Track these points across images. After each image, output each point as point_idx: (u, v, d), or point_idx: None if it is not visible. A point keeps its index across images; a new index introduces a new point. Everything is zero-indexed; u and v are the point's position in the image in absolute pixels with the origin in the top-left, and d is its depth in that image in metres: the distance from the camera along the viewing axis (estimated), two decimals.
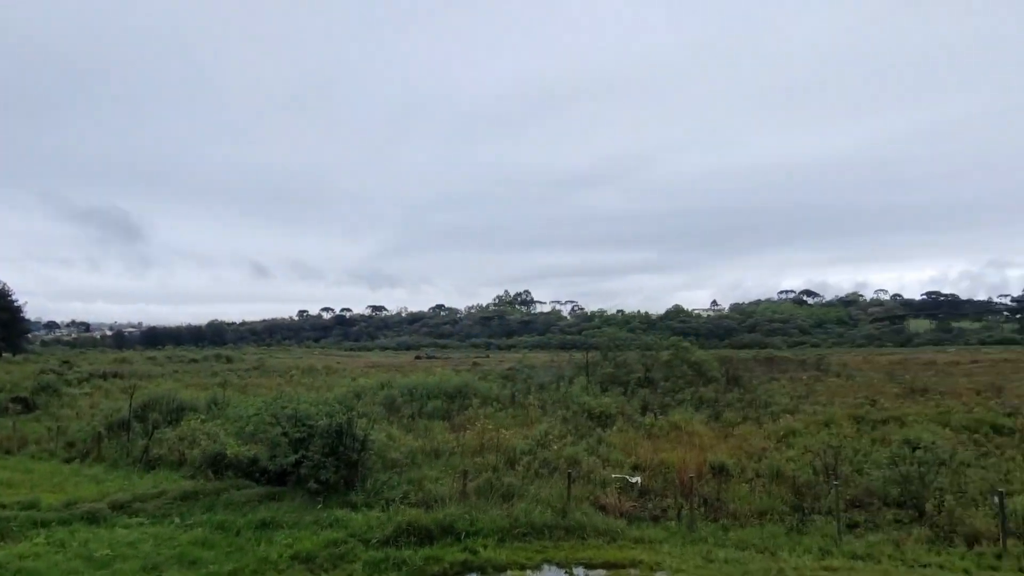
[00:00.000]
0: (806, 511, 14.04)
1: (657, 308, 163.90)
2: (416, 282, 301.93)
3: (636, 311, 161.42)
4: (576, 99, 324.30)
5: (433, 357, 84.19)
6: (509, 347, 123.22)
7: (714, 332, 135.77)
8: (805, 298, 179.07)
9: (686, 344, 44.48)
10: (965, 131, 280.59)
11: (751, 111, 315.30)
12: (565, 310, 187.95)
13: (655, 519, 14.04)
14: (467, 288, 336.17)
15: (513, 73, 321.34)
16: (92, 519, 13.58)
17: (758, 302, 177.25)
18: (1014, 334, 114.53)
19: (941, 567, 10.98)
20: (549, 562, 11.54)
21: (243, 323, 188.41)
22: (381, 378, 36.31)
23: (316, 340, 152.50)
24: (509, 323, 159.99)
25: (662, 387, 33.19)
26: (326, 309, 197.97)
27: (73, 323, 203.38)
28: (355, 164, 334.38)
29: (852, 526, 13.27)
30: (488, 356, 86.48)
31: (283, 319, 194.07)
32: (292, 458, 15.61)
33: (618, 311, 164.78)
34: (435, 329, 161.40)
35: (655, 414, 25.63)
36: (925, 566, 11.03)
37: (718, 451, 18.96)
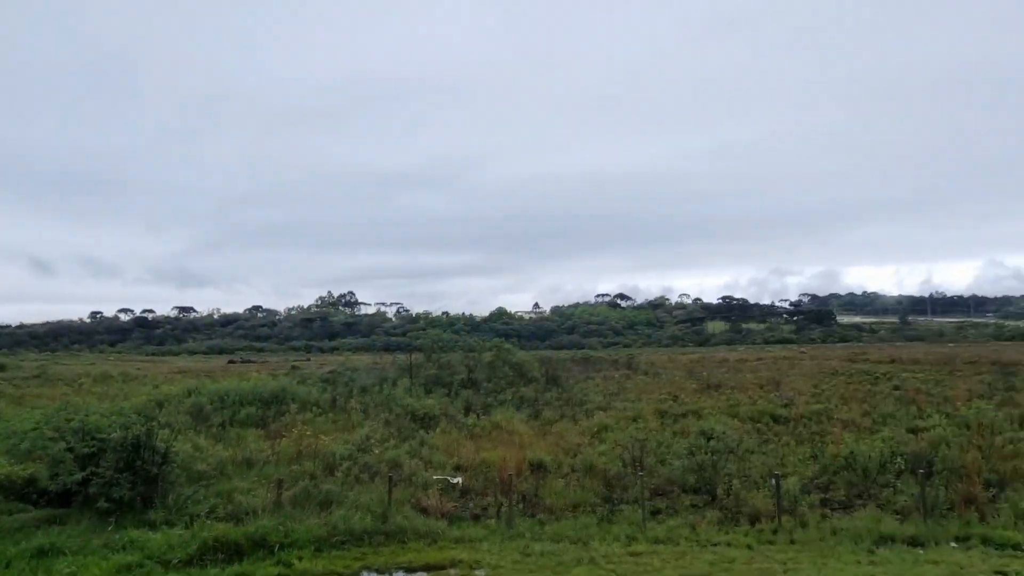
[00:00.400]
0: (615, 501, 14.95)
1: (482, 310, 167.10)
2: (230, 281, 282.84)
3: (461, 313, 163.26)
4: (404, 98, 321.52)
5: (249, 361, 79.46)
6: (332, 349, 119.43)
7: (536, 334, 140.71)
8: (619, 301, 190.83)
9: (508, 346, 45.74)
10: (755, 152, 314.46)
11: (574, 120, 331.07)
12: (390, 312, 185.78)
13: (476, 518, 14.25)
14: (287, 289, 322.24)
15: (339, 66, 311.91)
16: None
17: (576, 305, 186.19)
18: (791, 334, 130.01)
19: (729, 544, 12.14)
20: (368, 568, 11.30)
21: (21, 326, 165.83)
22: (188, 385, 33.61)
23: (112, 344, 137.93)
24: (332, 325, 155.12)
25: (485, 388, 33.82)
26: (124, 310, 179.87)
27: None
28: (160, 152, 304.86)
29: (655, 513, 14.31)
30: (309, 359, 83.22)
31: (71, 321, 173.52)
32: (78, 476, 13.98)
33: (443, 313, 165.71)
34: (251, 332, 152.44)
35: (478, 414, 26.05)
36: (716, 544, 12.14)
37: (537, 448, 19.65)
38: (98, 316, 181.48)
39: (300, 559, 11.52)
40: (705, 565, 10.83)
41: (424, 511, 14.16)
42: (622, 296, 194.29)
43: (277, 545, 11.93)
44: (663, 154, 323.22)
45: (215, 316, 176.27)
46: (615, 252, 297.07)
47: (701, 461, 16.25)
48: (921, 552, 11.50)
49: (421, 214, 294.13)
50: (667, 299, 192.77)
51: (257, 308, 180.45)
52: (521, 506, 14.70)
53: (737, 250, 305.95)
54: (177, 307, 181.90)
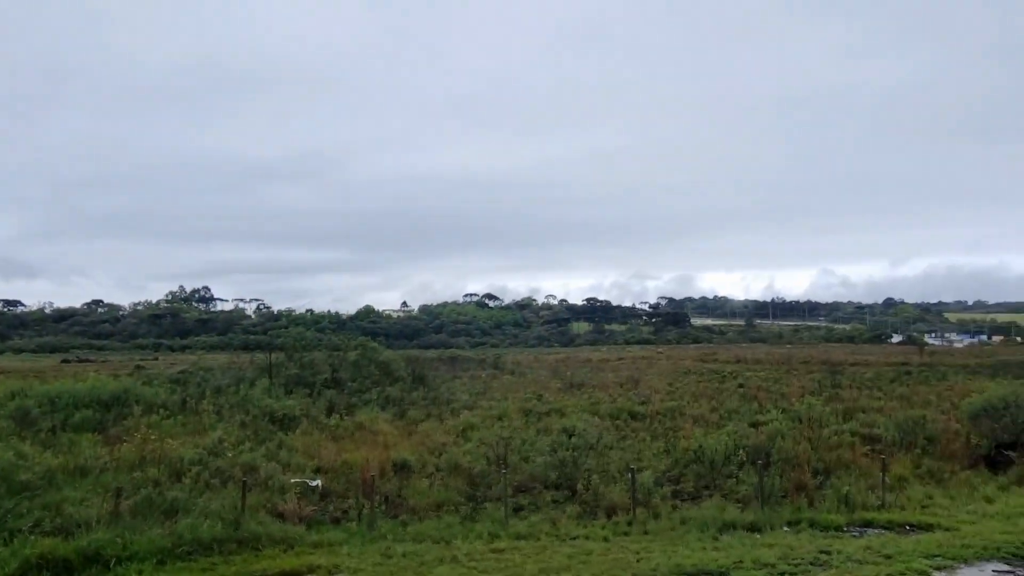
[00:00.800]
0: (479, 500, 15.03)
1: (348, 308, 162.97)
2: (66, 273, 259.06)
3: (326, 311, 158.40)
4: (268, 86, 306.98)
5: (87, 360, 72.89)
6: (184, 348, 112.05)
7: (404, 332, 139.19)
8: (487, 301, 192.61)
9: (374, 344, 44.88)
10: (621, 160, 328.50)
11: (445, 120, 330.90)
12: (250, 308, 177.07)
13: (336, 521, 13.84)
14: (133, 282, 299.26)
15: (197, 47, 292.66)
16: None
17: (445, 304, 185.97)
18: (650, 335, 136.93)
19: (587, 538, 12.53)
20: None
21: None
22: (12, 386, 30.29)
23: None
24: (184, 322, 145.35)
25: (349, 387, 33.00)
26: None
27: None
28: None
29: (518, 509, 14.51)
30: (157, 358, 77.63)
31: None
32: None
33: (308, 311, 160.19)
34: (90, 328, 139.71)
35: (341, 415, 25.35)
36: (575, 538, 12.49)
37: (402, 448, 19.40)
38: None
39: (140, 573, 10.66)
40: (564, 558, 11.10)
41: (281, 516, 13.55)
42: (490, 296, 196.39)
43: (113, 560, 10.96)
44: (533, 157, 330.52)
45: (47, 310, 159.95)
46: (484, 252, 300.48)
47: (563, 458, 16.67)
48: (759, 536, 12.41)
49: (285, 208, 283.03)
50: (534, 300, 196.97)
51: (97, 302, 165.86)
52: (384, 507, 14.44)
53: (602, 253, 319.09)
54: (1, 300, 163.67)
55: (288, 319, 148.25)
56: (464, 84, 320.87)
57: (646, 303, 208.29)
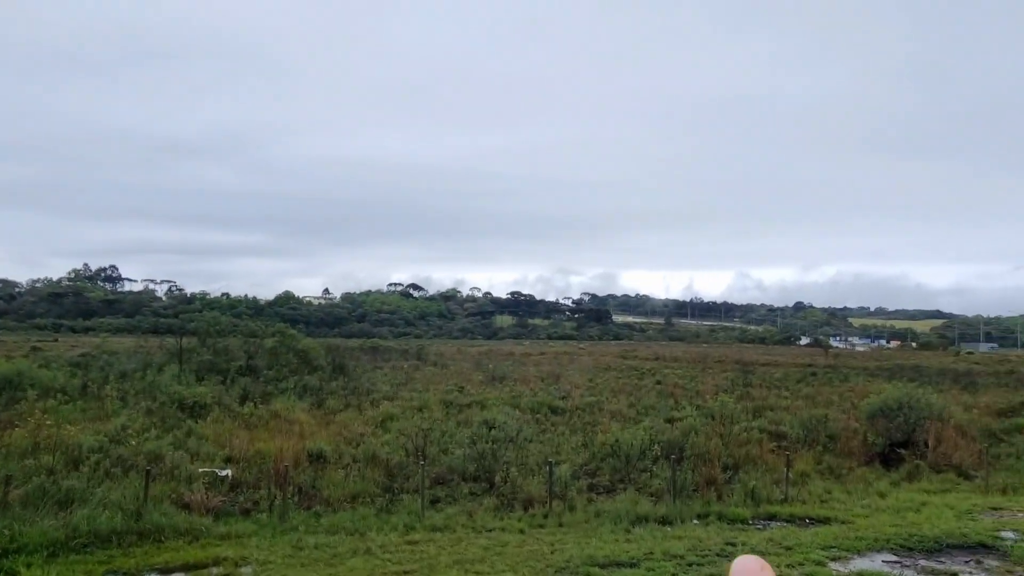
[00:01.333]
0: (396, 491, 14.85)
1: (267, 294, 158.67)
2: None
3: (244, 296, 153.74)
4: (188, 58, 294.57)
5: None
6: (87, 330, 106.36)
7: (325, 321, 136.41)
8: (412, 291, 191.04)
9: (293, 332, 43.79)
10: (550, 155, 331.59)
11: (376, 105, 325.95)
12: (161, 290, 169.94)
13: (246, 512, 13.39)
14: (31, 258, 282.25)
15: (113, 14, 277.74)
16: None
17: (368, 293, 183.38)
18: (573, 331, 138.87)
19: (503, 530, 12.57)
20: (115, 572, 10.11)
21: None
22: None
23: None
24: (88, 302, 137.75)
25: (265, 375, 32.09)
26: None
27: None
28: None
29: (435, 501, 14.43)
30: (56, 340, 73.37)
31: None
32: None
33: (224, 295, 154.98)
34: None
35: (256, 403, 24.58)
36: (491, 530, 12.51)
37: (318, 438, 18.96)
38: None
39: (29, 566, 10.01)
40: (479, 550, 11.10)
41: (187, 507, 13.01)
42: (415, 286, 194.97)
43: (0, 552, 10.28)
44: (463, 148, 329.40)
45: None
46: (410, 242, 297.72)
47: (482, 450, 16.68)
48: (669, 529, 12.76)
49: (203, 187, 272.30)
50: (459, 292, 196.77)
51: None
52: (297, 498, 14.08)
53: (528, 248, 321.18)
54: None
55: (202, 303, 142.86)
56: (397, 71, 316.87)
57: (569, 299, 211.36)
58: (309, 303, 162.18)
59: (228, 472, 15.25)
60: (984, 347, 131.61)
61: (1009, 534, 11.83)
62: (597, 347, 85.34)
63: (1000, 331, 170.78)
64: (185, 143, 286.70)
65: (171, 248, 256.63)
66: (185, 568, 10.31)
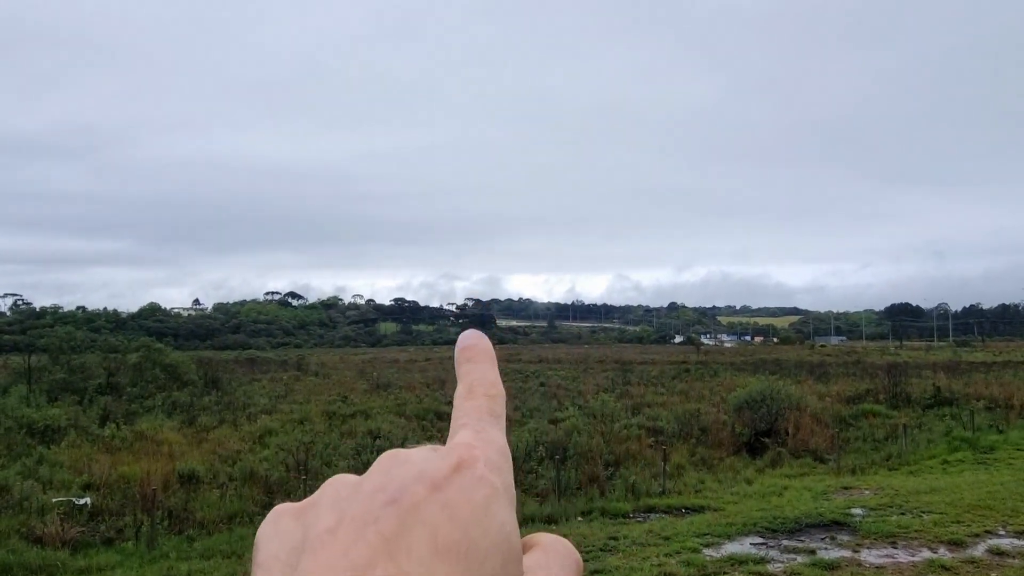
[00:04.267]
0: None
1: (129, 305, 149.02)
2: None
3: (102, 308, 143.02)
4: (26, 48, 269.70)
5: None
6: None
7: (195, 333, 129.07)
8: (290, 300, 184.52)
9: (159, 346, 41.03)
10: (432, 159, 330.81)
11: (246, 105, 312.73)
12: (4, 304, 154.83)
13: (109, 542, 12.43)
14: None
15: None
16: None
17: (243, 302, 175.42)
18: (455, 336, 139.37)
19: None
20: None
21: None
22: None
23: None
24: None
25: (129, 393, 29.94)
26: None
27: None
28: None
29: None
30: None
31: None
32: None
33: (79, 308, 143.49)
34: None
35: (118, 424, 22.87)
36: None
37: (190, 458, 17.91)
38: None
39: None
40: None
41: (39, 541, 11.91)
42: (293, 295, 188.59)
43: None
44: (341, 150, 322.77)
45: None
46: (287, 248, 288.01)
47: (366, 461, 16.33)
48: (555, 528, 13.02)
49: (50, 190, 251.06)
50: (340, 299, 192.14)
51: None
52: (167, 523, 13.22)
53: (410, 253, 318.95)
54: None
55: (54, 317, 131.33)
56: (269, 68, 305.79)
57: (454, 304, 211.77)
58: (178, 315, 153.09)
59: (87, 500, 14.10)
60: (835, 340, 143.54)
61: (858, 511, 12.93)
62: None
63: (848, 325, 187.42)
64: (31, 141, 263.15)
65: (14, 257, 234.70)
66: None
